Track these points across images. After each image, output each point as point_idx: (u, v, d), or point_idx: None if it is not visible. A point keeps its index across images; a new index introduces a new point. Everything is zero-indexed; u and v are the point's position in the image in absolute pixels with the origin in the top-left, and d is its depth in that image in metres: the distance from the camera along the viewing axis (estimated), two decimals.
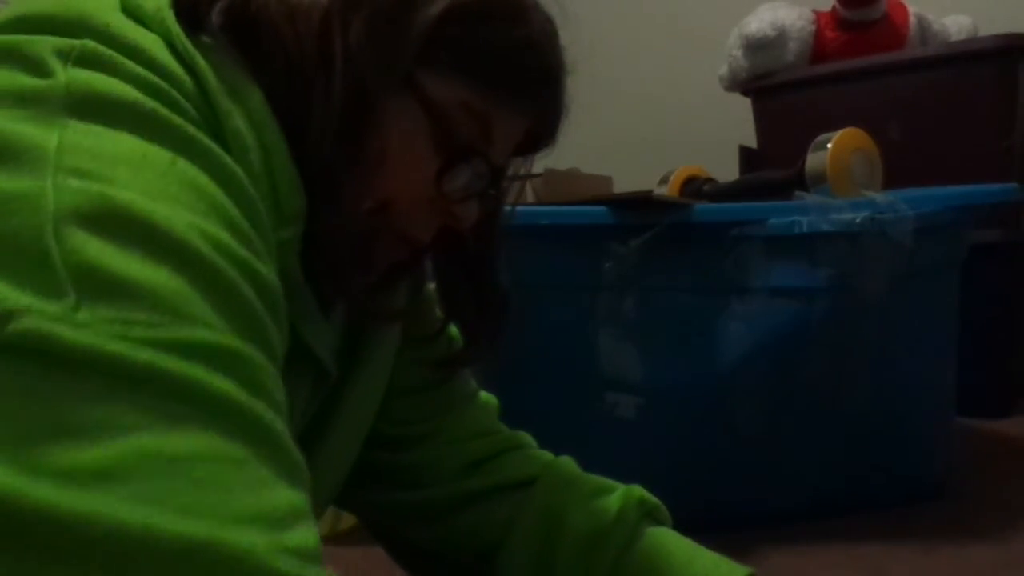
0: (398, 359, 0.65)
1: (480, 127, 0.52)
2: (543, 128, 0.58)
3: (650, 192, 1.40)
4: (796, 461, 1.13)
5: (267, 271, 0.39)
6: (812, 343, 1.09)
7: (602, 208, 1.10)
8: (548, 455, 0.70)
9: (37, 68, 0.37)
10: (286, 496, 0.33)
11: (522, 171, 0.61)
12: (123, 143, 0.36)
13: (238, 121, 0.42)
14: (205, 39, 0.44)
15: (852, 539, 1.06)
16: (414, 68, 0.49)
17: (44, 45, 0.38)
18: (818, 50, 1.81)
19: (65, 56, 0.38)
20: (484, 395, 0.72)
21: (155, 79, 0.40)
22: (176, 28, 0.43)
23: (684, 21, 2.52)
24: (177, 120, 0.39)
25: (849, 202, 1.08)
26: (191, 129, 0.39)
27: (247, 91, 0.44)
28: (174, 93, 0.40)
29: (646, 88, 2.58)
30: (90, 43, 0.39)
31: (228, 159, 0.40)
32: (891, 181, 1.24)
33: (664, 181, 1.45)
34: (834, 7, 1.82)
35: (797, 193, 1.13)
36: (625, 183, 2.22)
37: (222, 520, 0.30)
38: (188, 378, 0.32)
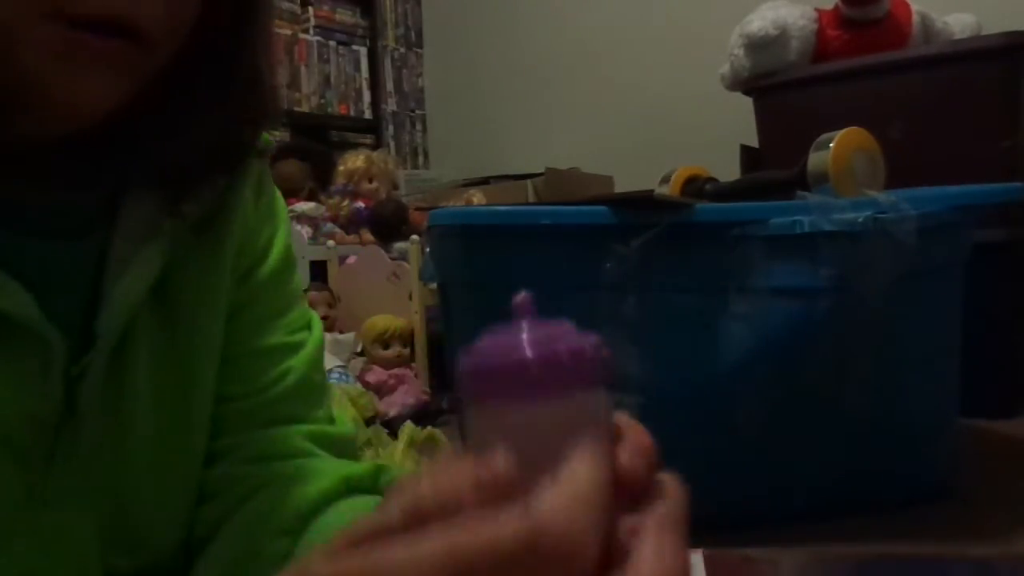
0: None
1: None
2: None
3: (651, 192, 1.40)
4: (798, 461, 1.12)
5: None
6: (814, 343, 1.09)
7: (603, 208, 1.09)
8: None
9: None
10: None
11: None
12: None
13: None
14: None
15: (855, 539, 1.06)
16: None
17: None
18: (820, 49, 1.80)
19: None
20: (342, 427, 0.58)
21: None
22: None
23: (685, 20, 2.51)
24: None
25: (851, 202, 1.08)
26: None
27: None
28: None
29: (647, 88, 2.58)
30: None
31: None
32: (893, 180, 1.23)
33: (665, 181, 1.44)
34: (837, 5, 1.82)
35: (799, 193, 1.12)
36: (626, 183, 2.22)
37: None
38: None
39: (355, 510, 0.49)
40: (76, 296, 0.43)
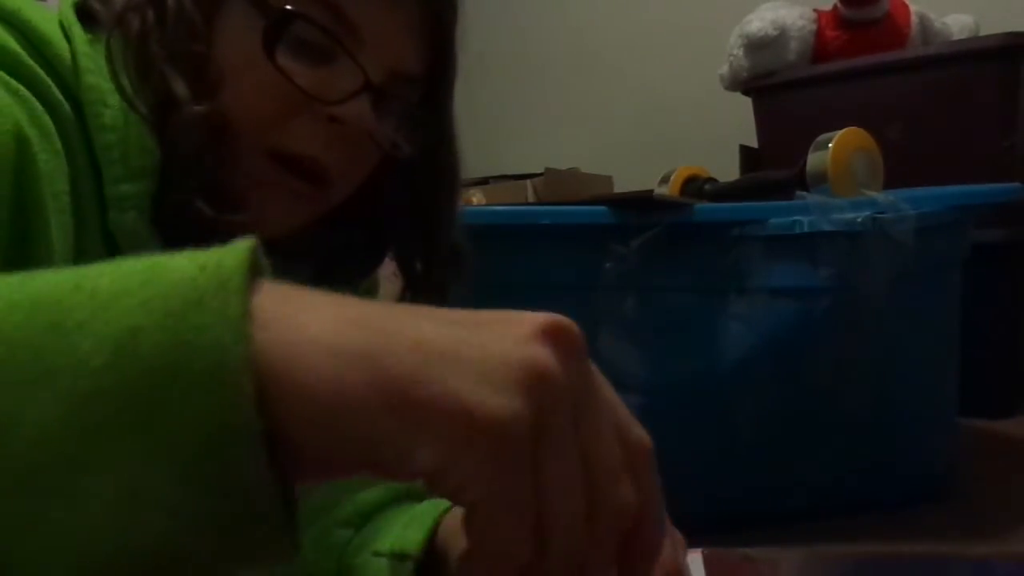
0: None
1: (331, 14, 0.47)
2: (436, 35, 0.52)
3: (651, 192, 1.40)
4: (797, 461, 1.12)
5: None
6: (813, 343, 1.09)
7: (602, 208, 1.09)
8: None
9: None
10: None
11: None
12: None
13: (98, 79, 0.45)
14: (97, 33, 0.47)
15: (855, 539, 1.06)
16: None
17: None
18: (819, 49, 1.80)
19: None
20: None
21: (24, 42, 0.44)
22: (68, 11, 0.47)
23: (684, 21, 2.51)
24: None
25: (850, 202, 1.08)
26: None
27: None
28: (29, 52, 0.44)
29: (646, 88, 2.58)
30: None
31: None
32: (892, 181, 1.23)
33: (665, 181, 1.44)
34: (835, 6, 1.82)
35: (798, 193, 1.12)
36: (625, 183, 2.21)
37: None
38: None
39: (405, 512, 0.61)
40: None
